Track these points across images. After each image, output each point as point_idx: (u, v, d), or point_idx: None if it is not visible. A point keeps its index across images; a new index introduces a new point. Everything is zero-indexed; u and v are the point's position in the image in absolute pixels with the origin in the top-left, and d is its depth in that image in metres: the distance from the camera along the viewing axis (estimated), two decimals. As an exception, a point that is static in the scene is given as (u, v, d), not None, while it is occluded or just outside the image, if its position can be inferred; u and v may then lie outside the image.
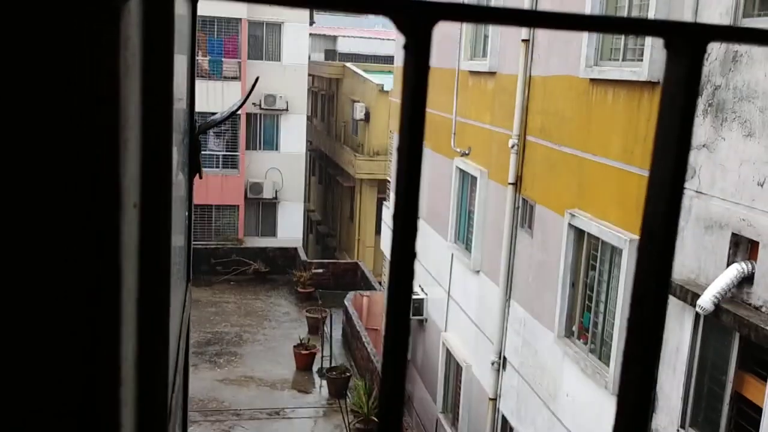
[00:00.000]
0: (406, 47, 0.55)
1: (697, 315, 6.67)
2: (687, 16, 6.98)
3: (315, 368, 18.35)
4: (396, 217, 0.55)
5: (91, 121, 0.51)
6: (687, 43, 0.58)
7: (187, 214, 1.61)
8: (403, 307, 0.61)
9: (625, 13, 8.33)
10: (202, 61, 26.12)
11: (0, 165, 0.50)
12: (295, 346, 18.57)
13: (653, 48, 7.50)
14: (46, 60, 0.50)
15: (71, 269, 0.53)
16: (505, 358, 11.30)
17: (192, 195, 1.64)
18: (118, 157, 0.53)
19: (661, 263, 0.62)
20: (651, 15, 7.52)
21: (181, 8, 1.34)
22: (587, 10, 8.76)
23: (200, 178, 1.63)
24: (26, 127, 0.50)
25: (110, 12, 0.50)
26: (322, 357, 18.24)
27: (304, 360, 18.31)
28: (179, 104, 1.46)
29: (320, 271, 23.90)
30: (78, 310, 0.54)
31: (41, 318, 0.53)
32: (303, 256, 25.87)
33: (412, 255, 0.58)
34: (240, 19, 26.19)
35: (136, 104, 0.67)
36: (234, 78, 26.38)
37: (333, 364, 17.93)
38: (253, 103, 26.85)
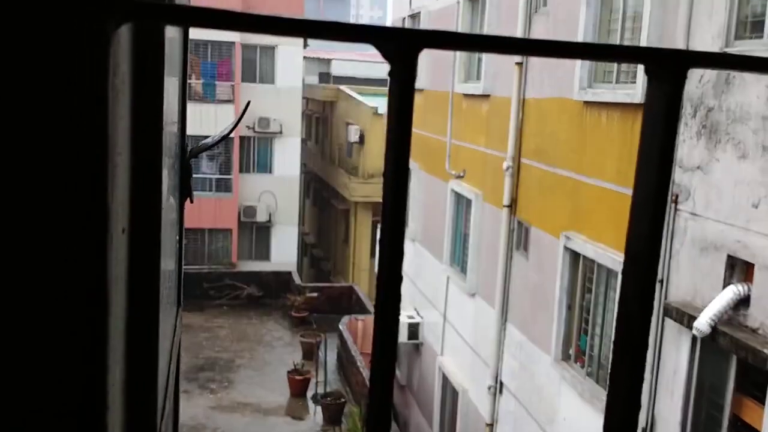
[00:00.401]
0: (390, 74, 0.56)
1: (694, 338, 6.66)
2: (679, 38, 7.05)
3: (309, 394, 18.21)
4: (382, 241, 0.55)
5: (79, 146, 0.52)
6: (667, 69, 0.59)
7: (177, 238, 1.61)
8: (391, 329, 0.61)
9: (618, 36, 8.42)
10: (196, 84, 26.22)
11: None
12: (289, 372, 18.44)
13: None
14: (35, 85, 0.50)
15: (57, 294, 0.53)
16: (501, 383, 11.24)
17: (183, 219, 1.64)
18: (106, 182, 0.54)
19: (645, 283, 0.62)
20: (644, 37, 7.60)
21: (172, 31, 1.35)
22: (580, 33, 8.85)
23: (191, 202, 1.64)
24: (13, 151, 0.50)
25: (100, 39, 0.51)
26: (317, 382, 18.10)
27: (299, 386, 18.17)
28: (170, 128, 1.47)
29: (314, 295, 23.80)
30: (64, 334, 0.54)
31: (25, 342, 0.53)
32: (297, 279, 25.78)
33: (399, 277, 0.58)
34: (234, 42, 26.34)
35: (126, 129, 0.67)
36: (227, 101, 26.47)
37: (328, 390, 17.80)
38: (247, 126, 26.92)
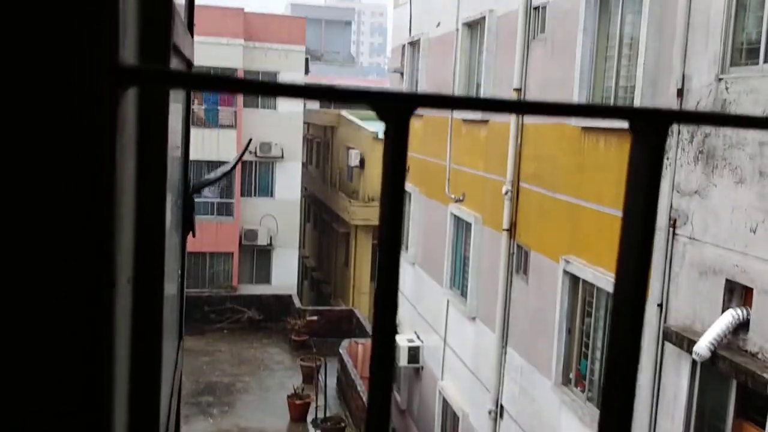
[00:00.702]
0: (386, 133, 0.59)
1: (694, 362, 6.65)
2: (675, 65, 7.12)
3: (309, 419, 18.09)
4: (377, 299, 0.57)
5: (88, 203, 0.54)
6: (650, 126, 0.62)
7: (179, 272, 1.63)
8: (388, 355, 0.63)
9: (614, 62, 8.49)
10: (198, 110, 26.37)
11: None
12: (289, 396, 18.34)
13: (643, 96, 7.62)
14: (44, 148, 0.53)
15: (60, 346, 0.55)
16: (502, 407, 11.19)
17: (185, 253, 1.66)
18: (113, 234, 0.56)
19: (632, 336, 0.64)
20: (640, 63, 7.67)
21: (176, 65, 1.38)
22: (577, 58, 8.93)
23: (194, 236, 1.66)
24: (22, 204, 0.53)
25: (108, 103, 0.53)
26: (317, 407, 18.00)
27: (299, 410, 18.06)
28: (174, 164, 1.50)
29: (315, 318, 23.74)
30: (68, 387, 0.56)
31: (31, 396, 0.55)
32: (297, 303, 25.73)
33: (393, 331, 0.60)
34: (236, 69, 26.54)
35: (131, 184, 0.70)
36: (229, 126, 26.61)
37: (328, 414, 17.69)
38: (249, 151, 27.01)
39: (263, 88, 0.54)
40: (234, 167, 3.04)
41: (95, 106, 0.52)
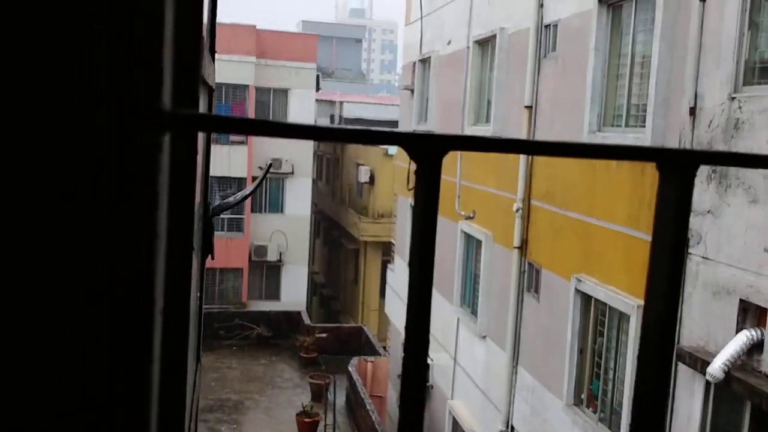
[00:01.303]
0: (416, 173, 0.60)
1: (708, 383, 6.59)
2: (688, 84, 7.11)
3: (319, 436, 18.02)
4: (406, 343, 0.58)
5: (132, 242, 0.55)
6: (678, 167, 0.62)
7: (198, 294, 1.64)
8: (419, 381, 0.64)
9: (626, 81, 8.49)
10: (210, 126, 26.51)
11: (37, 272, 0.53)
12: (297, 414, 18.28)
13: (655, 115, 7.62)
14: (93, 196, 0.54)
15: (102, 376, 0.56)
16: (513, 427, 11.11)
17: (204, 276, 1.67)
18: (154, 272, 0.57)
19: (661, 375, 0.64)
20: (652, 83, 7.67)
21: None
22: (589, 78, 8.94)
23: (212, 259, 1.67)
24: (69, 248, 0.54)
25: (151, 148, 0.54)
26: (326, 425, 17.93)
27: (307, 428, 17.99)
28: (197, 192, 1.51)
29: (324, 335, 23.70)
30: (107, 416, 0.56)
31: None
32: (306, 320, 25.70)
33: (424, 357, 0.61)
34: (247, 85, 26.71)
35: (164, 219, 0.71)
36: (241, 143, 26.75)
37: None
38: (259, 167, 27.13)
39: (298, 131, 0.55)
40: (254, 191, 3.08)
41: (142, 152, 0.53)
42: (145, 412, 0.54)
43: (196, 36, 0.81)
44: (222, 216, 27.23)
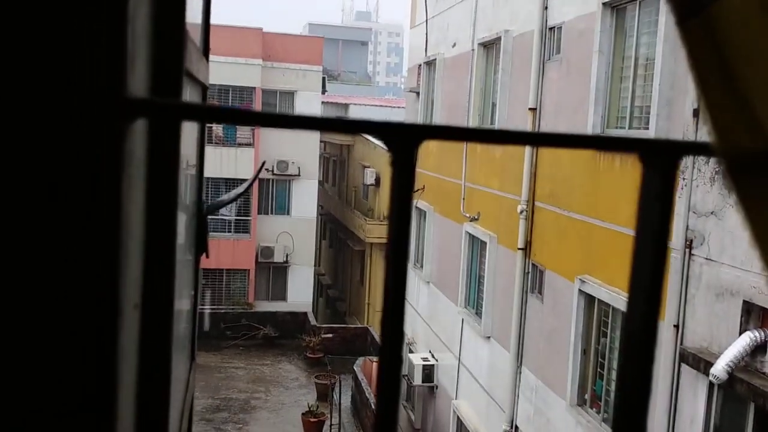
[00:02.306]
0: (392, 164, 0.59)
1: (711, 384, 6.56)
2: (691, 86, 7.08)
3: (324, 436, 18.02)
4: (383, 336, 0.57)
5: (92, 234, 0.54)
6: (660, 158, 0.61)
7: (193, 293, 1.64)
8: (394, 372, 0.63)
9: (630, 82, 8.47)
10: (217, 128, 26.57)
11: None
12: (303, 414, 18.29)
13: (659, 116, 7.60)
14: (51, 181, 0.53)
15: (65, 370, 0.55)
16: (517, 427, 11.08)
17: (198, 274, 1.67)
18: (118, 265, 0.56)
19: (643, 372, 0.64)
20: (656, 85, 7.65)
21: (190, 99, 1.39)
22: (593, 79, 8.92)
23: (207, 257, 1.67)
24: (26, 232, 0.53)
25: (114, 135, 0.54)
26: (331, 425, 17.93)
27: (313, 428, 18.00)
28: (187, 184, 1.51)
29: (330, 335, 23.72)
30: (71, 412, 0.56)
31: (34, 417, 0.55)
32: (312, 320, 25.71)
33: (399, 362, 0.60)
34: (254, 87, 26.75)
35: (139, 211, 0.70)
36: (247, 145, 26.78)
37: (342, 432, 17.61)
38: (266, 169, 27.16)
39: (271, 120, 0.54)
40: (247, 189, 3.07)
41: (101, 139, 0.53)
42: (110, 406, 0.53)
43: (177, 29, 0.80)
44: (228, 218, 27.27)
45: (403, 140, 0.57)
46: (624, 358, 0.64)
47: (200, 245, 1.61)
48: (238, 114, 0.55)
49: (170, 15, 0.78)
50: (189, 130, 1.48)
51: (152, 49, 0.74)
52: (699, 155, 0.63)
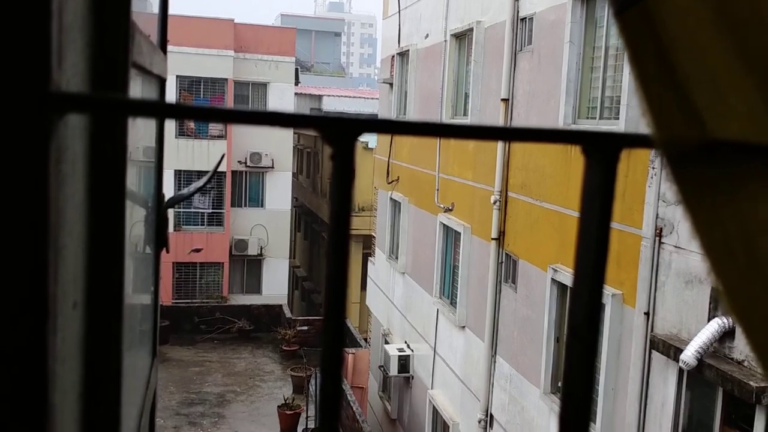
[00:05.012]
0: (332, 157, 0.59)
1: (681, 370, 6.66)
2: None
3: (300, 429, 18.02)
4: (324, 322, 0.56)
5: (14, 233, 0.52)
6: (602, 150, 0.61)
7: (153, 289, 1.62)
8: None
9: (600, 72, 8.53)
10: (188, 120, 26.33)
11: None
12: (279, 406, 18.27)
13: (629, 106, 7.66)
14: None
15: None
16: (491, 416, 11.17)
17: (159, 269, 1.65)
18: (46, 265, 0.54)
19: (586, 362, 0.64)
20: (626, 74, 7.71)
21: (145, 94, 1.37)
22: (564, 70, 8.97)
23: (167, 252, 1.65)
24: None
25: (39, 128, 0.52)
26: (307, 417, 17.94)
27: (289, 420, 17.99)
28: (144, 178, 1.49)
29: (305, 328, 23.69)
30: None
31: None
32: (288, 313, 25.66)
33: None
34: (226, 79, 26.54)
35: (79, 206, 0.69)
36: (219, 137, 26.59)
37: (318, 425, 17.61)
38: (239, 161, 27.00)
39: (202, 114, 0.53)
40: (207, 182, 3.05)
41: (24, 135, 0.51)
42: (41, 411, 0.52)
43: (121, 21, 0.78)
44: (202, 210, 27.07)
45: (341, 134, 0.57)
46: (568, 348, 0.64)
47: (160, 239, 1.59)
48: (168, 108, 0.54)
49: (112, 6, 0.76)
50: (146, 124, 1.46)
51: (92, 41, 0.73)
52: (639, 147, 0.64)
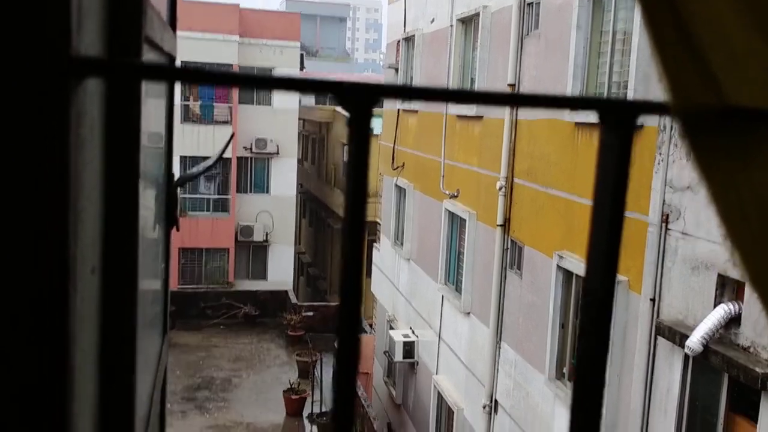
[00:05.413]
0: (349, 123, 0.59)
1: (686, 356, 6.66)
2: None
3: (305, 413, 18.12)
4: (341, 290, 0.57)
5: (36, 198, 0.53)
6: (618, 117, 0.61)
7: (164, 266, 1.63)
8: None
9: (608, 57, 8.49)
10: (194, 106, 26.32)
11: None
12: (285, 391, 18.37)
13: (636, 91, 7.63)
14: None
15: (13, 334, 0.54)
16: (496, 401, 11.21)
17: (169, 247, 1.66)
18: (66, 226, 0.55)
19: (601, 327, 0.64)
20: (633, 59, 7.67)
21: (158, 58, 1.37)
22: (571, 54, 8.93)
23: (177, 230, 1.65)
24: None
25: (59, 95, 0.52)
26: (313, 402, 18.03)
27: (295, 405, 18.09)
28: (155, 157, 1.49)
29: (311, 314, 23.77)
30: (22, 375, 0.55)
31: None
32: (293, 298, 25.74)
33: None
34: (231, 65, 26.48)
35: (96, 169, 0.69)
36: (225, 122, 26.56)
37: (324, 409, 17.72)
38: (244, 147, 27.00)
39: (217, 78, 0.54)
40: (217, 161, 3.05)
41: (46, 96, 0.51)
42: (63, 366, 0.53)
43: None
44: (207, 196, 27.10)
45: (359, 99, 0.57)
46: (582, 328, 0.64)
47: (170, 218, 1.60)
48: (183, 73, 0.54)
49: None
50: (155, 104, 1.46)
51: (106, 12, 0.73)
52: (656, 114, 0.64)
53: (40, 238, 0.50)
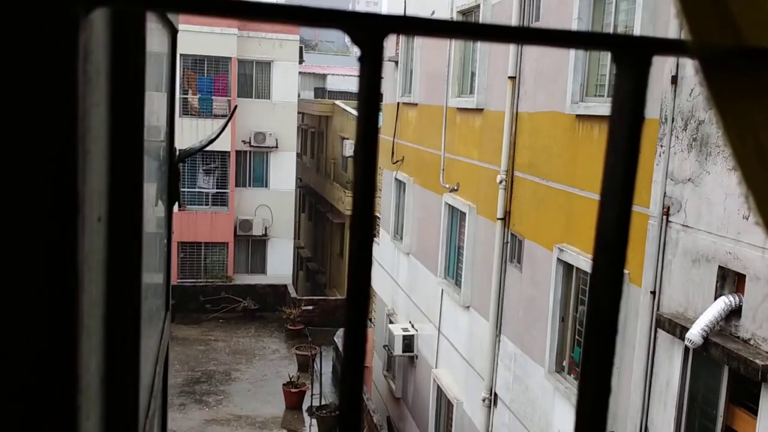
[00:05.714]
0: (360, 59, 0.57)
1: (687, 349, 6.66)
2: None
3: (305, 407, 18.14)
4: (352, 227, 0.55)
5: (45, 131, 0.52)
6: (633, 55, 0.60)
7: (166, 242, 1.61)
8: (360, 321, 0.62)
9: (608, 56, 8.45)
10: (193, 99, 26.27)
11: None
12: (284, 384, 18.38)
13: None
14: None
15: (23, 277, 0.53)
16: (496, 395, 11.22)
17: (171, 223, 1.65)
18: (75, 166, 0.54)
19: (615, 275, 0.63)
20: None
21: (158, 42, 1.36)
22: (571, 52, 8.89)
23: (179, 207, 1.64)
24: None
25: (67, 24, 0.51)
26: (312, 395, 18.05)
27: (294, 398, 18.10)
28: (158, 132, 1.48)
29: (310, 308, 23.78)
30: (30, 320, 0.54)
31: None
32: (293, 292, 25.75)
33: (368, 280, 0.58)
34: (230, 57, 26.44)
35: (102, 117, 0.68)
36: (224, 116, 26.51)
37: (323, 403, 17.74)
38: (243, 141, 26.97)
39: (235, 9, 0.52)
40: (219, 135, 3.05)
41: (53, 29, 0.50)
42: (70, 303, 0.51)
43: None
44: (206, 191, 27.08)
45: (371, 32, 0.55)
46: (596, 259, 0.63)
47: (173, 193, 1.58)
48: (196, 3, 0.53)
49: None
50: (158, 94, 1.45)
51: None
52: (672, 53, 0.62)
53: (50, 168, 0.49)
